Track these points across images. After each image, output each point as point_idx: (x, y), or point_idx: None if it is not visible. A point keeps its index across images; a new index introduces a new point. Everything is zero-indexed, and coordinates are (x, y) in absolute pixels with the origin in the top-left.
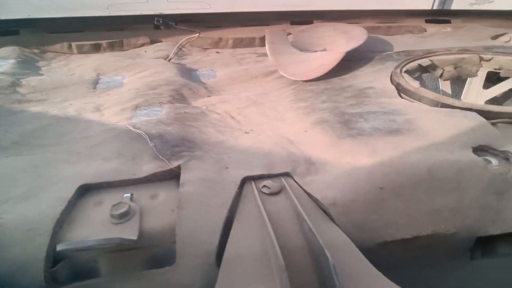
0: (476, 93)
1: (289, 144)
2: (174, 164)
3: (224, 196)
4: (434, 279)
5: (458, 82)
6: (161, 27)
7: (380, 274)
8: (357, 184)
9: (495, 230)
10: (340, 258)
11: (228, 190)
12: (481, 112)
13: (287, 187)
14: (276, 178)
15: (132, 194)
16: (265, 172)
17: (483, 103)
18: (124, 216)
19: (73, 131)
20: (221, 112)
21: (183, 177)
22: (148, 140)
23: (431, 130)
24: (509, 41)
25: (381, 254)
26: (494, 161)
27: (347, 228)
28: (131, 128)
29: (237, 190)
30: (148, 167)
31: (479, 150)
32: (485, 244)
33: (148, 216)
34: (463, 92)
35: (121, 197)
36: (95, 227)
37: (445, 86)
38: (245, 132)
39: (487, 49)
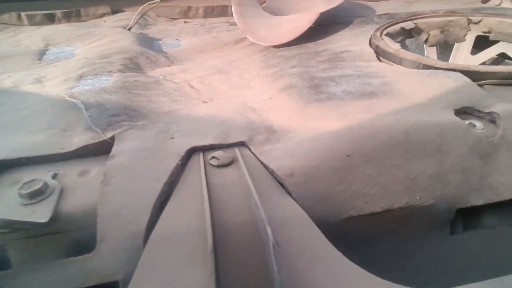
0: (463, 59)
1: (250, 111)
2: (109, 134)
3: (162, 169)
4: (409, 255)
5: (445, 48)
6: None
7: (338, 253)
8: (321, 151)
9: (477, 199)
10: (291, 236)
11: (169, 162)
12: (466, 73)
13: (240, 158)
14: (229, 148)
15: (56, 172)
16: (218, 142)
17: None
18: (36, 196)
19: (5, 104)
20: (179, 82)
21: (115, 148)
22: (84, 109)
23: (411, 92)
24: (500, 4)
25: (347, 229)
26: (478, 124)
27: (307, 201)
28: (66, 97)
29: (178, 162)
30: (79, 140)
31: (463, 112)
32: (467, 216)
33: (72, 196)
34: (450, 58)
35: (45, 175)
36: (0, 209)
37: (431, 52)
38: (203, 102)
39: (476, 10)
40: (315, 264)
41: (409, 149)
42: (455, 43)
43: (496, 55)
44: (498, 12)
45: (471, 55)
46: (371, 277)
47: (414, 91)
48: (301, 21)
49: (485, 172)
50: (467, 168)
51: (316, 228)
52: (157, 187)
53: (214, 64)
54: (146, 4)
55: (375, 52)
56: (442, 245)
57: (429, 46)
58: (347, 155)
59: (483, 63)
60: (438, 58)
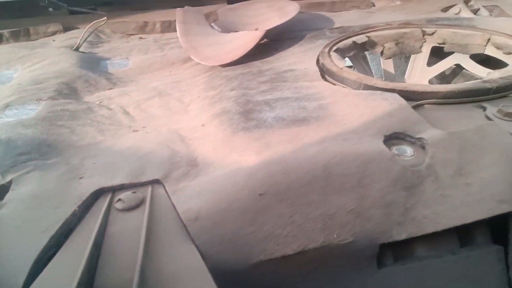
0: (420, 71)
1: (179, 141)
2: (9, 177)
3: (54, 218)
4: None
5: (404, 59)
6: (50, 9)
7: None
8: (231, 190)
9: (400, 234)
10: None
11: (65, 209)
12: (404, 93)
13: (147, 200)
14: (142, 187)
15: None
16: (131, 180)
17: (425, 82)
18: None
19: None
20: (114, 107)
21: (8, 195)
22: None
23: (345, 117)
24: (459, 12)
25: (258, 275)
26: (409, 151)
27: (212, 247)
28: None
29: (76, 209)
30: None
31: (394, 137)
32: (397, 247)
33: None
34: (407, 70)
35: None
36: None
37: (388, 64)
38: (134, 130)
39: (430, 21)
40: None
41: (327, 184)
42: (412, 55)
43: (454, 65)
44: (453, 22)
45: (427, 67)
46: None
47: (348, 115)
48: (247, 39)
49: (409, 205)
50: (390, 201)
51: (211, 281)
52: (43, 241)
53: (156, 86)
54: (93, 23)
55: (320, 70)
56: (369, 280)
57: (385, 59)
58: (260, 194)
59: (444, 74)
60: (396, 69)
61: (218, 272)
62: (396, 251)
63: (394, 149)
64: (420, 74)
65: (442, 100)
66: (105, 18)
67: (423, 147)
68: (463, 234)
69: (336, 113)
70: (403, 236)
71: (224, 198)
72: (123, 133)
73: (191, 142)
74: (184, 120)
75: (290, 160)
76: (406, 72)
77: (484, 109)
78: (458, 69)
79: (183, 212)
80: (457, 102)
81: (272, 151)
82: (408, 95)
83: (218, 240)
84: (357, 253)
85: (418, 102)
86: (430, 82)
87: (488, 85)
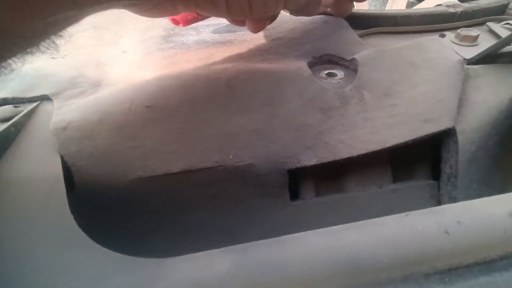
0: None
1: (92, 66)
2: None
3: None
4: (240, 225)
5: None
6: None
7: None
8: (112, 103)
9: (309, 159)
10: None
11: None
12: (353, 19)
13: (22, 113)
14: (29, 103)
15: None
16: (17, 95)
17: None
18: None
19: None
20: None
21: None
22: None
23: (274, 40)
24: None
25: (140, 193)
26: (340, 74)
27: (80, 159)
28: None
29: None
30: None
31: (327, 61)
32: (323, 182)
33: None
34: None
35: None
36: None
37: (362, 5)
38: (52, 57)
39: None
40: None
41: (230, 101)
42: None
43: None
44: None
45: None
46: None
47: (278, 39)
48: None
49: (323, 128)
50: (301, 123)
51: (63, 188)
52: None
53: (96, 21)
54: None
55: None
56: (281, 213)
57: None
58: (146, 106)
59: None
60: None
61: (90, 186)
62: (321, 186)
63: (324, 73)
64: None
65: (396, 28)
66: None
67: (355, 70)
68: (399, 168)
69: (267, 37)
70: (313, 161)
71: (100, 111)
72: (40, 59)
73: (105, 67)
74: (110, 50)
75: (189, 75)
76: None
77: (443, 36)
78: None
79: (54, 123)
80: (416, 30)
81: (175, 68)
82: (358, 22)
83: (88, 152)
84: (262, 180)
85: (368, 30)
86: None
87: (451, 10)
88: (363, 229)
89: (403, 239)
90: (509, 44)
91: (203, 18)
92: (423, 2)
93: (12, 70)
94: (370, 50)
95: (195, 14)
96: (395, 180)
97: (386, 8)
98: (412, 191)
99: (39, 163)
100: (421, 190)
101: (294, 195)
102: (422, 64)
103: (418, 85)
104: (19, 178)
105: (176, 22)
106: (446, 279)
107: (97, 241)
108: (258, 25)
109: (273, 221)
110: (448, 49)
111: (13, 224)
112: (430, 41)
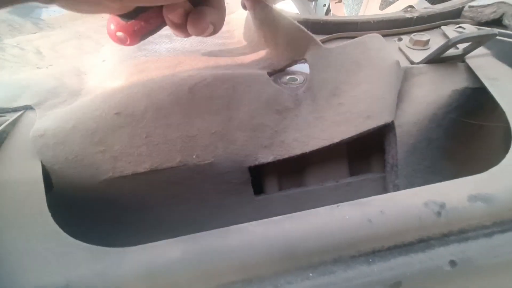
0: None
1: (73, 75)
2: None
3: None
4: (207, 221)
5: (355, 3)
6: None
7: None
8: (84, 111)
9: (266, 157)
10: None
11: None
12: (317, 25)
13: (5, 123)
14: (13, 112)
15: None
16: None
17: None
18: None
19: None
20: (28, 48)
21: None
22: None
23: (243, 51)
24: None
25: (110, 193)
26: (299, 78)
27: (56, 163)
28: None
29: None
30: None
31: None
32: (284, 177)
33: None
34: (360, 14)
35: None
36: None
37: (338, 9)
38: (37, 68)
39: None
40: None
41: (192, 106)
42: None
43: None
44: None
45: (379, 10)
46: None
47: (246, 52)
48: None
49: (279, 128)
50: (258, 124)
51: (42, 190)
52: None
53: (79, 30)
54: None
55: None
56: (246, 207)
57: (335, 3)
58: (116, 113)
59: None
60: (350, 13)
61: (66, 188)
62: (284, 180)
63: (286, 78)
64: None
65: (357, 33)
66: None
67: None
68: (356, 162)
69: (237, 47)
70: (270, 158)
71: (73, 118)
72: (25, 70)
73: (86, 76)
74: (91, 59)
75: (155, 82)
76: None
77: (401, 40)
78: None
79: (33, 131)
80: None
81: (143, 75)
82: (322, 28)
83: (63, 157)
84: (224, 177)
85: (331, 36)
86: None
87: (408, 15)
88: (299, 219)
89: (332, 228)
90: (449, 49)
91: (152, 28)
92: (395, 4)
93: None
94: (318, 49)
95: (141, 23)
96: (353, 173)
97: (360, 9)
98: (367, 183)
99: (22, 167)
100: (375, 182)
101: (260, 189)
102: (364, 63)
103: (360, 84)
104: (4, 180)
105: (120, 41)
106: (370, 260)
107: (73, 235)
108: (192, 24)
109: (238, 215)
110: (387, 48)
111: None
112: (372, 38)
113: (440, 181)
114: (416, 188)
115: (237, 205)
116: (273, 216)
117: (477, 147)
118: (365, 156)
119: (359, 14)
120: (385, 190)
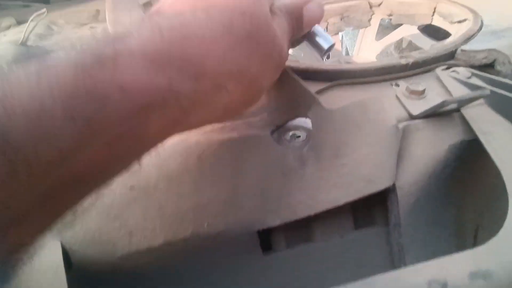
0: (369, 46)
1: None
2: None
3: None
4: (216, 282)
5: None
6: None
7: None
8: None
9: (273, 221)
10: None
11: None
12: (315, 74)
13: None
14: None
15: None
16: None
17: (374, 58)
18: None
19: None
20: None
21: None
22: None
23: None
24: None
25: (128, 268)
26: (302, 135)
27: (76, 244)
28: None
29: None
30: None
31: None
32: (292, 233)
33: None
34: (356, 45)
35: None
36: None
37: (336, 41)
38: None
39: None
40: None
41: (201, 174)
42: (360, 29)
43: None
44: None
45: (376, 41)
46: None
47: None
48: None
49: (285, 191)
50: (265, 189)
51: (63, 276)
52: None
53: None
54: (34, 15)
55: None
56: (256, 266)
57: (332, 36)
58: (130, 187)
59: (399, 47)
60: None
61: (85, 266)
62: (291, 237)
63: (289, 134)
64: (369, 49)
65: (355, 79)
66: (45, 10)
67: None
68: (360, 216)
69: None
70: (277, 222)
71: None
72: None
73: None
74: None
75: (166, 151)
76: (355, 48)
77: (398, 86)
78: (413, 42)
79: None
80: (373, 81)
81: None
82: (320, 76)
83: (81, 237)
84: (234, 242)
85: (329, 84)
86: (378, 57)
87: (403, 61)
88: None
89: None
90: (447, 106)
91: None
92: (391, 34)
93: None
94: (321, 109)
95: None
96: (358, 226)
97: (356, 41)
98: (371, 238)
99: (42, 250)
100: (378, 236)
101: (268, 245)
102: (364, 126)
103: (361, 147)
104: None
105: None
106: None
107: None
108: None
109: (248, 274)
110: (385, 110)
111: None
112: (371, 100)
113: (443, 231)
114: (419, 265)
115: (246, 266)
116: (282, 273)
117: (476, 190)
118: (369, 207)
119: (356, 45)
120: (389, 245)
